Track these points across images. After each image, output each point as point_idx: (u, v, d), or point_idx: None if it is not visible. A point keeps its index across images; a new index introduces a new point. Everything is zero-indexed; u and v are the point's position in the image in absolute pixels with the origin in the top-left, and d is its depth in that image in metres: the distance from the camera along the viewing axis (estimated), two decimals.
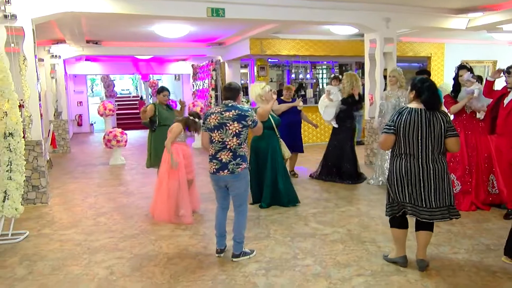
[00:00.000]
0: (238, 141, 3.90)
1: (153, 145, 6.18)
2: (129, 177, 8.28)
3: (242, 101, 4.40)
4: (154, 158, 6.15)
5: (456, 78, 5.66)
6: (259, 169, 5.80)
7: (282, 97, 7.36)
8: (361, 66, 12.56)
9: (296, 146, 7.44)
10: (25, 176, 5.03)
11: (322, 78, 13.60)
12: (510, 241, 3.82)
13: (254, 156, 5.82)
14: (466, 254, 4.08)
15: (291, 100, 7.35)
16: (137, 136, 14.89)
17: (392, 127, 3.61)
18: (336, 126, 7.25)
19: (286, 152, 5.97)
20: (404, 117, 3.57)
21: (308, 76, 13.28)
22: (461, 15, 8.22)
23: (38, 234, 4.94)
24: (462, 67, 5.68)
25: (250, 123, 3.93)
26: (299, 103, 7.08)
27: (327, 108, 7.33)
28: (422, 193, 3.55)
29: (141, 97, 23.87)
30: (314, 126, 7.81)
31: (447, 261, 3.92)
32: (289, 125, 7.20)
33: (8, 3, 5.60)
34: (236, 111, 3.90)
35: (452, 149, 3.63)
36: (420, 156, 3.55)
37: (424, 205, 3.56)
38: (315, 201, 6.06)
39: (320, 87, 13.34)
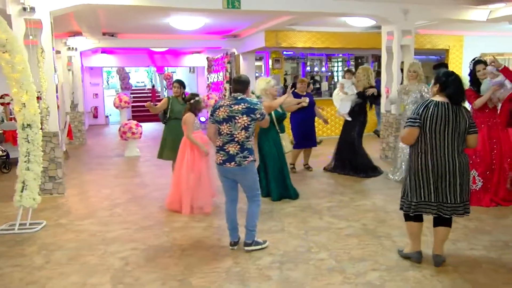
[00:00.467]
0: (246, 134, 3.90)
1: (165, 138, 6.21)
2: (144, 168, 8.35)
3: (252, 94, 4.38)
4: (165, 150, 6.18)
5: (473, 74, 5.51)
6: (264, 162, 5.83)
7: (296, 90, 7.30)
8: (377, 58, 12.38)
9: (311, 141, 7.43)
10: (42, 167, 5.10)
11: (337, 71, 13.46)
12: None
13: (258, 150, 5.83)
14: (484, 250, 4.01)
15: (305, 93, 7.28)
16: (152, 129, 14.98)
17: (418, 120, 3.49)
18: (349, 119, 7.17)
19: (286, 146, 5.97)
20: (431, 110, 3.47)
21: (323, 69, 13.15)
22: (482, 6, 8.01)
23: (55, 224, 5.02)
24: (478, 62, 5.54)
25: (259, 116, 3.92)
26: (305, 100, 6.96)
27: (342, 101, 7.24)
28: (447, 188, 3.50)
29: (153, 85, 23.98)
30: (325, 122, 7.69)
31: (464, 257, 3.86)
32: (304, 121, 7.20)
33: None
34: (245, 104, 3.88)
35: (471, 146, 3.60)
36: (446, 151, 3.47)
37: (448, 201, 3.52)
38: (330, 195, 6.02)
39: (335, 80, 13.22)
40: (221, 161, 3.99)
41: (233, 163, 3.92)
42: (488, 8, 8.14)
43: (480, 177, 5.38)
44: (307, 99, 7.05)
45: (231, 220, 4.16)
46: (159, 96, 22.93)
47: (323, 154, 8.82)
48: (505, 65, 5.35)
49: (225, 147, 3.95)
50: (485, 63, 5.51)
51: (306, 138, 7.32)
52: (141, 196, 6.21)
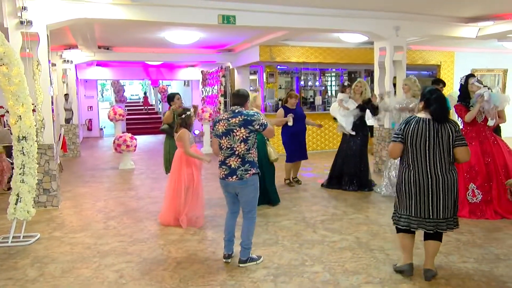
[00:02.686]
0: (246, 147, 3.92)
1: (170, 151, 6.18)
2: (139, 181, 8.34)
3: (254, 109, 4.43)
4: (171, 164, 6.16)
5: (465, 88, 5.68)
6: None
7: (287, 105, 7.34)
8: (370, 73, 12.55)
9: (303, 154, 7.46)
10: (37, 180, 5.10)
11: (331, 85, 13.60)
12: None
13: None
14: (475, 263, 4.06)
15: (295, 107, 7.33)
16: (146, 141, 14.99)
17: (400, 136, 3.61)
18: (353, 133, 7.04)
19: (272, 154, 6.15)
20: (412, 126, 3.58)
21: (317, 83, 13.30)
22: (472, 23, 8.22)
23: (49, 237, 5.00)
24: (471, 75, 5.77)
25: (258, 127, 3.93)
26: (289, 119, 6.96)
27: (345, 117, 7.05)
28: (430, 204, 3.55)
29: (145, 92, 24.52)
30: (318, 126, 7.81)
31: (456, 270, 3.91)
32: (295, 134, 7.20)
33: (24, 9, 5.72)
34: (242, 116, 3.92)
35: (461, 159, 3.57)
36: (428, 166, 3.54)
37: (430, 216, 3.56)
38: (324, 208, 6.06)
39: (329, 94, 13.36)
40: (223, 176, 4.01)
41: (234, 176, 3.94)
42: (478, 25, 8.35)
43: (479, 190, 5.46)
44: (291, 119, 6.98)
45: (228, 231, 4.18)
46: (152, 106, 23.12)
47: (317, 167, 8.89)
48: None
49: (226, 161, 3.97)
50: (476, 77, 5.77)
51: (298, 152, 7.33)
52: (136, 209, 6.21)
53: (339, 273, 3.88)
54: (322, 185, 7.45)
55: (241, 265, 4.04)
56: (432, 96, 3.60)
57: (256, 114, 4.00)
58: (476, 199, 5.46)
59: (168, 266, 4.10)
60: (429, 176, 3.53)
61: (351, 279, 3.75)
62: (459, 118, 5.89)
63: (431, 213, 3.55)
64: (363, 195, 6.79)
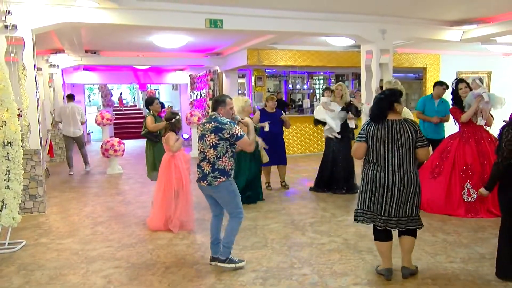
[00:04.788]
0: (215, 153, 3.91)
1: (157, 157, 6.07)
2: (127, 186, 8.29)
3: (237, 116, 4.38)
4: (155, 169, 6.10)
5: (455, 92, 5.77)
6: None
7: (266, 108, 7.31)
8: (357, 76, 12.68)
9: (279, 159, 7.32)
10: (23, 185, 5.04)
11: (319, 88, 13.69)
12: (499, 261, 3.74)
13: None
14: (461, 263, 4.11)
15: (275, 110, 7.29)
16: (134, 146, 14.88)
17: (364, 136, 3.66)
18: (339, 137, 7.03)
19: (264, 156, 6.52)
20: (372, 127, 3.64)
21: (305, 86, 13.38)
22: (456, 27, 8.34)
23: (35, 243, 4.94)
24: (461, 81, 5.84)
25: (228, 136, 3.87)
26: (265, 125, 6.86)
27: (334, 119, 7.01)
28: (383, 202, 3.60)
29: (120, 93, 25.25)
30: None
31: (442, 270, 3.95)
32: (270, 138, 6.88)
33: (8, 13, 5.66)
34: (215, 123, 3.92)
35: (421, 159, 3.74)
36: (386, 166, 3.58)
37: (382, 213, 3.61)
38: (312, 211, 6.09)
39: (317, 97, 13.45)
40: (197, 178, 4.07)
41: (205, 181, 3.97)
42: (462, 29, 8.47)
43: (474, 189, 5.52)
44: (267, 125, 6.87)
45: (213, 233, 4.20)
46: (140, 110, 23.08)
47: (306, 170, 8.93)
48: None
49: (200, 164, 4.03)
50: (466, 82, 5.85)
51: (274, 155, 7.09)
52: (124, 214, 6.16)
53: (328, 275, 3.90)
54: (310, 188, 7.42)
55: (219, 264, 4.05)
56: (377, 96, 3.74)
57: (228, 123, 3.93)
58: (471, 198, 5.55)
59: (156, 271, 4.08)
60: (386, 176, 3.57)
61: (339, 281, 3.77)
62: (455, 121, 5.97)
63: (382, 210, 3.61)
64: (351, 197, 6.82)
